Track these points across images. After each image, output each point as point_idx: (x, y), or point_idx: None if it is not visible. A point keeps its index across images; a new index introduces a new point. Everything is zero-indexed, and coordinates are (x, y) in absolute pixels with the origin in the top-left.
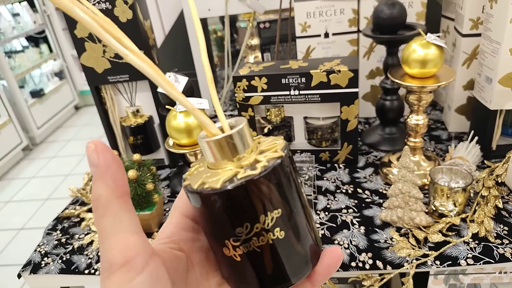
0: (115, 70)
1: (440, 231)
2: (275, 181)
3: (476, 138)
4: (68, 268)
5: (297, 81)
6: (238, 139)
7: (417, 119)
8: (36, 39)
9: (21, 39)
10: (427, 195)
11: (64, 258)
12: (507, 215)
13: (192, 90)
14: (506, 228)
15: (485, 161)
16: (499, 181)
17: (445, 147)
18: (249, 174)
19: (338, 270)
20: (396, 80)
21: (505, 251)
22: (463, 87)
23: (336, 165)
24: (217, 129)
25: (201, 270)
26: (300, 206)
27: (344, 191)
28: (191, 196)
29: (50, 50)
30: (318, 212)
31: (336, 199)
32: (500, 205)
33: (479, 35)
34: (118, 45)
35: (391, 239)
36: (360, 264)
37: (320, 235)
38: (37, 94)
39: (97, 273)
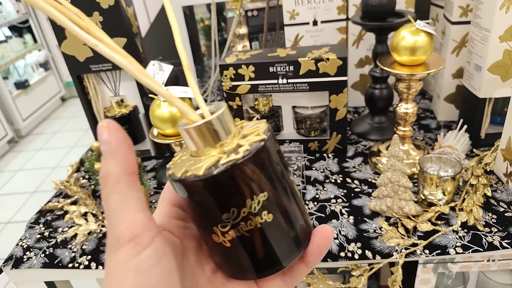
0: (98, 59)
1: (429, 220)
2: (258, 164)
3: (465, 126)
4: (52, 262)
5: (285, 69)
6: (219, 125)
7: (407, 108)
8: (19, 29)
9: (4, 29)
10: (416, 184)
11: (47, 252)
12: (495, 203)
13: (177, 79)
14: (494, 216)
15: (474, 150)
16: (488, 170)
17: (434, 136)
18: (232, 159)
19: (327, 260)
20: (386, 68)
21: (493, 239)
22: (452, 75)
23: (325, 154)
24: (197, 116)
25: (195, 257)
26: (288, 188)
27: (333, 181)
28: (175, 185)
29: (35, 40)
30: (307, 202)
31: (325, 189)
32: (489, 194)
33: (468, 22)
34: (85, 35)
35: (380, 228)
36: (349, 254)
37: None
38: (21, 85)
39: (81, 267)
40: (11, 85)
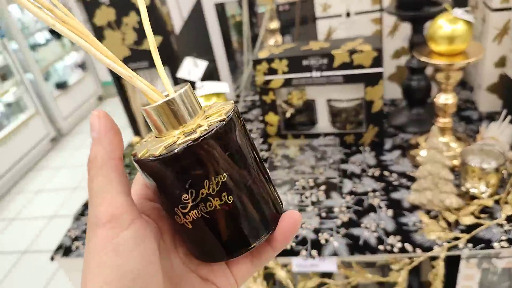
0: (135, 57)
1: (471, 214)
2: (217, 145)
3: (509, 117)
4: None
5: (319, 62)
6: (181, 105)
7: (446, 98)
8: (58, 32)
9: (44, 32)
10: (457, 176)
11: None
12: None
13: (212, 75)
14: None
15: None
16: None
17: (476, 127)
18: (187, 139)
19: (364, 253)
20: (423, 58)
21: None
22: (495, 64)
23: (361, 148)
24: (158, 96)
25: (170, 238)
26: (253, 170)
27: (370, 174)
28: (136, 166)
29: (72, 42)
30: (344, 195)
31: (361, 182)
32: None
33: (510, 9)
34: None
35: (420, 221)
36: (388, 248)
37: (347, 219)
38: (61, 86)
39: None
40: (51, 86)
